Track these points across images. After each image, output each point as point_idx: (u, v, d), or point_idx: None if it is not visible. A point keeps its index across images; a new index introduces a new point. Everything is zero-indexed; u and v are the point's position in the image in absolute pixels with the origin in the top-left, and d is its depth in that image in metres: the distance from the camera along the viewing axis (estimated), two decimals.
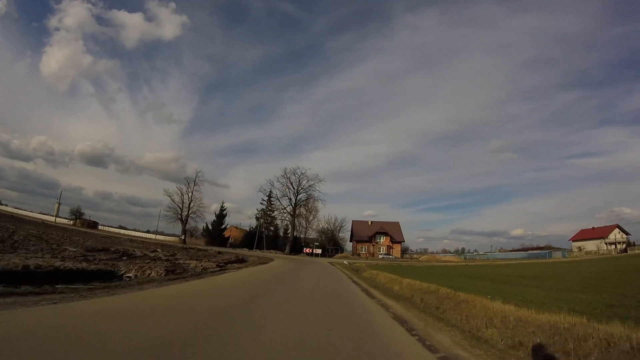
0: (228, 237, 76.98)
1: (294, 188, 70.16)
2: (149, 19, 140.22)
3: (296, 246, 69.16)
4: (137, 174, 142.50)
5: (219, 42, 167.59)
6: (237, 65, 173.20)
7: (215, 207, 77.96)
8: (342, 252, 74.87)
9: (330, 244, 72.68)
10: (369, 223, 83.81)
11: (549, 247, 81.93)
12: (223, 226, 75.18)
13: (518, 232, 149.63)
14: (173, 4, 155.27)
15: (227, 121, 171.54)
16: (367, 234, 79.03)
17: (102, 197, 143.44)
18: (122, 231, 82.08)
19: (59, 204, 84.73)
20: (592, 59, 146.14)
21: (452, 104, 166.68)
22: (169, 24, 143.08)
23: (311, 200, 72.43)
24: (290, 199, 70.80)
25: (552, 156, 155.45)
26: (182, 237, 73.20)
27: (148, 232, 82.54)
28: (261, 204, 74.71)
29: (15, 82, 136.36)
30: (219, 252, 36.76)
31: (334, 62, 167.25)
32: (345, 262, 39.96)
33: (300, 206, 72.36)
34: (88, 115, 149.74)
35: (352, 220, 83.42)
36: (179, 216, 74.01)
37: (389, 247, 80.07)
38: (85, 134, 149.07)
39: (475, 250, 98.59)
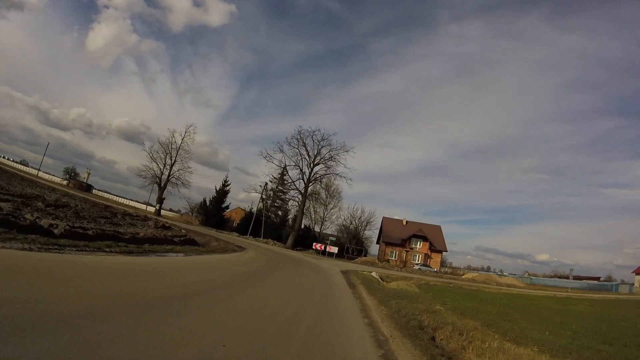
0: (228, 219, 63.55)
1: (309, 157, 51.41)
2: (197, 4, 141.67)
3: (305, 239, 53.88)
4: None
5: (262, 34, 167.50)
6: (278, 57, 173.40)
7: (243, 196, 64.63)
8: (364, 255, 59.07)
9: (352, 243, 56.72)
10: (404, 223, 67.61)
11: (608, 279, 71.33)
12: (224, 205, 61.49)
13: (543, 257, 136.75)
14: None
15: (262, 112, 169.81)
16: (401, 235, 62.98)
17: (134, 172, 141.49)
18: (115, 198, 72.88)
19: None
20: (634, 87, 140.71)
21: (488, 118, 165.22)
22: (217, 12, 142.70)
23: (332, 178, 53.68)
24: (302, 171, 51.79)
25: (584, 182, 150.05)
26: (157, 207, 59.63)
27: (146, 203, 72.68)
28: (270, 181, 57.16)
29: (61, 55, 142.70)
30: (166, 226, 22.82)
31: (375, 64, 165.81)
32: (374, 274, 24.47)
33: (316, 182, 53.34)
34: (128, 93, 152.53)
35: (383, 217, 67.06)
36: (157, 180, 58.39)
37: (426, 256, 63.67)
38: (123, 110, 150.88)
39: (496, 270, 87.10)
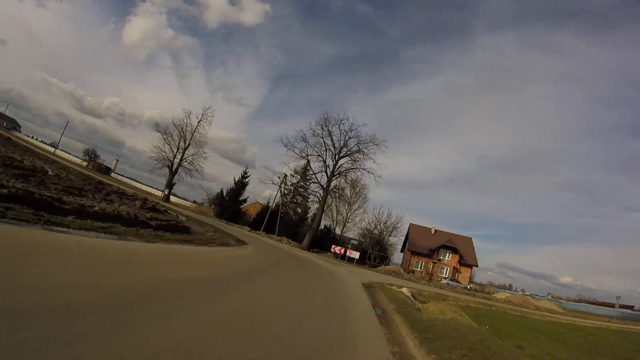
0: (245, 213, 59.82)
1: (334, 148, 45.31)
2: (233, 3, 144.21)
3: (323, 241, 49.35)
4: (199, 148, 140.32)
5: (295, 35, 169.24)
6: (309, 59, 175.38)
7: (268, 194, 60.22)
8: (387, 264, 54.14)
9: (375, 249, 51.68)
10: (432, 231, 62.12)
11: None
12: (242, 197, 57.82)
13: (566, 279, 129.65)
14: None
15: (291, 112, 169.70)
16: (429, 245, 57.59)
17: (162, 163, 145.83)
18: (134, 183, 71.06)
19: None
20: None
21: (518, 131, 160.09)
22: (252, 11, 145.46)
23: (358, 174, 47.08)
24: (326, 163, 45.72)
25: (613, 205, 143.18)
26: (166, 192, 56.01)
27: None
28: (292, 175, 52.25)
29: (97, 45, 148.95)
30: (157, 209, 18.96)
31: (406, 71, 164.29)
32: (405, 290, 19.61)
33: (340, 177, 46.62)
34: (161, 86, 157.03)
35: (410, 224, 61.75)
36: (168, 163, 54.70)
37: (455, 270, 58.10)
38: (156, 103, 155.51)
39: (518, 289, 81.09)
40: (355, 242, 46.58)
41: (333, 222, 55.36)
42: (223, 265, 11.43)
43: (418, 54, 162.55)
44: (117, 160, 79.12)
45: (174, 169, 54.45)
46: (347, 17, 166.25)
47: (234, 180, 56.69)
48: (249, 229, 42.49)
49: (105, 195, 17.36)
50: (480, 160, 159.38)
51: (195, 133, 54.87)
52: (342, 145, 45.59)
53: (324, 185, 45.90)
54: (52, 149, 71.72)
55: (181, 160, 54.56)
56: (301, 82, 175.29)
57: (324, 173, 46.46)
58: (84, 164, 69.57)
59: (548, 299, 64.47)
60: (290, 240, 41.30)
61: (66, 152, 73.85)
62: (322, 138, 45.74)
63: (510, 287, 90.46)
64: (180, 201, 67.92)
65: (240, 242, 20.18)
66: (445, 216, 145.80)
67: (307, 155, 46.52)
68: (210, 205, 63.66)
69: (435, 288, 34.62)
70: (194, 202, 70.76)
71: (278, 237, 41.30)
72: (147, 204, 19.50)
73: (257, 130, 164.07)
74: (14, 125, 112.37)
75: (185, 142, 54.72)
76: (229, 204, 54.77)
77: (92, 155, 75.45)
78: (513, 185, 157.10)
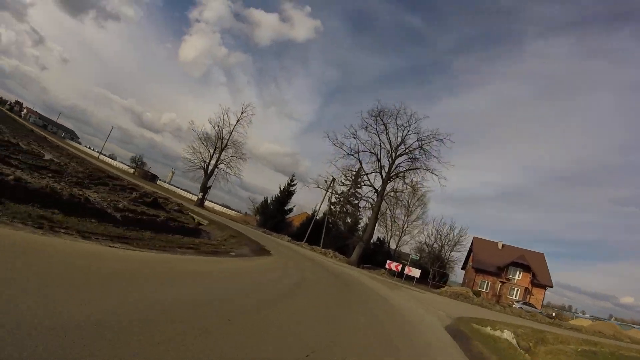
0: (290, 224, 55.88)
1: (391, 146, 38.43)
2: (284, 19, 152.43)
3: (375, 255, 43.55)
4: (254, 162, 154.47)
5: (345, 49, 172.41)
6: (360, 73, 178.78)
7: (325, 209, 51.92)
8: (445, 282, 47.83)
9: (435, 265, 45.36)
10: (499, 246, 54.65)
11: None
12: (287, 207, 54.02)
13: (628, 300, 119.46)
14: (308, 8, 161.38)
15: (343, 125, 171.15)
16: (496, 262, 50.33)
17: (230, 184, 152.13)
18: (183, 193, 70.28)
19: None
20: None
21: (575, 142, 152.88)
22: (303, 27, 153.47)
23: (419, 176, 38.17)
24: (380, 163, 38.58)
25: None
26: (200, 196, 52.34)
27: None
28: (342, 183, 44.49)
29: (155, 64, 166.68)
30: (158, 204, 15.29)
31: (457, 82, 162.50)
32: (507, 336, 14.04)
33: (397, 178, 39.10)
34: (216, 101, 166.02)
35: (474, 237, 54.63)
36: (204, 164, 50.75)
37: (526, 291, 50.46)
38: (211, 118, 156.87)
39: (578, 311, 69.94)
40: (416, 258, 40.49)
41: (387, 233, 49.55)
42: (206, 284, 7.13)
43: (468, 64, 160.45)
44: (173, 173, 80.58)
45: (209, 171, 51.09)
46: (396, 30, 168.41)
47: (280, 188, 53.14)
48: (289, 239, 38.09)
49: (97, 183, 13.97)
50: (533, 173, 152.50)
51: (233, 132, 51.14)
52: (399, 141, 38.49)
53: (378, 189, 38.85)
54: (110, 161, 72.80)
55: (217, 162, 51.08)
56: (352, 95, 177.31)
57: (378, 174, 39.37)
58: (131, 170, 69.89)
59: (632, 325, 54.54)
60: (336, 253, 36.09)
61: (111, 157, 74.79)
62: (376, 133, 38.95)
63: (569, 309, 79.78)
64: (223, 209, 65.74)
65: (261, 252, 16.19)
66: (496, 232, 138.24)
67: (358, 153, 39.50)
68: (255, 215, 60.63)
69: (514, 316, 28.41)
70: (240, 212, 68.16)
71: (322, 250, 36.43)
72: (146, 197, 15.84)
73: (310, 144, 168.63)
74: (72, 136, 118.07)
75: (222, 143, 51.04)
76: (273, 213, 51.14)
77: (139, 163, 75.99)
78: (568, 199, 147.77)
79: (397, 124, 38.49)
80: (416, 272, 33.68)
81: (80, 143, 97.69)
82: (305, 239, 40.01)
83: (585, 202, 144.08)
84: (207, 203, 69.45)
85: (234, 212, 66.85)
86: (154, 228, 11.01)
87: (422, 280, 38.60)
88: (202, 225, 22.42)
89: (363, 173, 41.29)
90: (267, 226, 47.03)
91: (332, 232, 44.78)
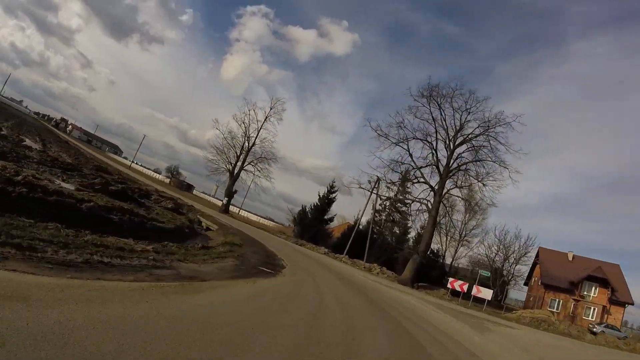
0: (330, 235, 51.60)
1: (447, 134, 31.51)
2: (322, 35, 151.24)
3: (428, 271, 37.15)
4: (297, 176, 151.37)
5: (384, 61, 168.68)
6: (400, 85, 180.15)
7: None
8: (503, 299, 41.50)
9: (498, 282, 39.28)
10: (569, 257, 47.63)
11: None
12: (327, 216, 49.91)
13: None
14: (345, 22, 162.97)
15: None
16: (567, 276, 43.53)
17: (260, 189, 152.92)
18: (215, 201, 68.69)
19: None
20: None
21: (627, 146, 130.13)
22: (341, 41, 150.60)
23: (485, 169, 30.31)
24: (436, 154, 31.65)
25: None
26: (225, 202, 47.10)
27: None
28: (387, 186, 38.57)
29: (198, 83, 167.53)
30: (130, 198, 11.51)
31: (499, 89, 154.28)
32: None
33: (460, 173, 31.52)
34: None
35: (540, 248, 47.53)
36: (229, 165, 45.32)
37: (604, 310, 43.30)
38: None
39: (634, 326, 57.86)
40: (487, 274, 33.23)
41: (443, 244, 43.91)
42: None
43: (510, 70, 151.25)
44: (217, 187, 79.71)
45: (234, 173, 45.71)
46: (435, 39, 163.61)
47: (319, 195, 49.02)
48: (326, 251, 33.53)
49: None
50: (583, 180, 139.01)
51: (262, 130, 45.97)
52: (457, 127, 31.07)
53: (435, 187, 31.04)
54: (155, 175, 72.94)
55: (244, 163, 45.85)
56: (393, 107, 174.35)
57: (433, 169, 31.92)
58: (166, 180, 68.99)
59: None
60: (383, 268, 30.49)
61: (155, 171, 75.52)
62: (430, 115, 31.35)
63: (625, 325, 69.87)
64: (260, 220, 62.99)
65: (271, 270, 11.67)
66: (548, 244, 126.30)
67: (407, 142, 32.03)
68: (293, 225, 56.85)
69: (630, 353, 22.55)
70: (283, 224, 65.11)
71: (366, 265, 31.31)
72: (114, 186, 12.32)
73: (353, 158, 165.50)
74: (116, 150, 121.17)
75: (249, 142, 45.77)
76: (311, 222, 47.05)
77: (175, 172, 75.09)
78: (622, 207, 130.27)
79: (453, 108, 31.35)
80: (487, 293, 27.21)
81: (125, 157, 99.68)
82: (345, 251, 35.49)
83: None
84: (243, 213, 67.12)
85: (272, 223, 63.89)
86: (115, 229, 7.48)
87: (496, 303, 32.85)
88: (211, 230, 19.82)
89: (413, 167, 32.76)
90: (305, 237, 43.16)
91: (376, 244, 39.99)
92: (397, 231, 44.59)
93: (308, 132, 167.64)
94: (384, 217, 43.86)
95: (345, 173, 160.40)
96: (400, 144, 32.52)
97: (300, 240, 35.37)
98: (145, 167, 76.82)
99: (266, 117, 45.81)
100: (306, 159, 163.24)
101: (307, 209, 49.29)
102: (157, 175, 73.06)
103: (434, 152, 31.83)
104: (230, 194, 46.07)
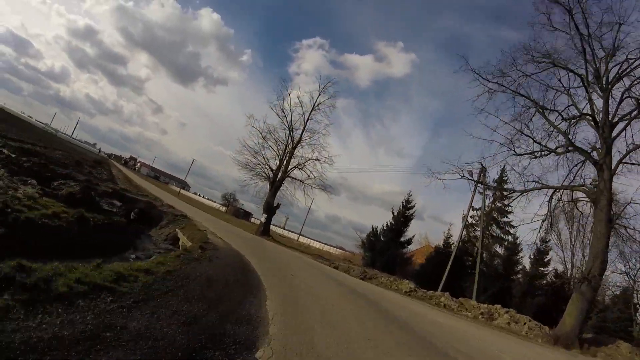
0: (410, 260, 40.14)
1: (595, 55, 15.83)
2: (379, 59, 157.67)
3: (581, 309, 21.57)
4: (366, 204, 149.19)
5: (445, 78, 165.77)
6: (463, 100, 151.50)
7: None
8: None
9: None
10: None
11: None
12: (404, 238, 38.66)
13: None
14: (401, 43, 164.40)
15: (455, 156, 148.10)
16: None
17: (331, 220, 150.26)
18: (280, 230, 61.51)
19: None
20: None
21: None
22: (399, 63, 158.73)
23: None
24: (587, 83, 15.96)
25: None
26: (263, 220, 33.79)
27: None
28: (481, 189, 27.17)
29: (263, 118, 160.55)
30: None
31: None
32: None
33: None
34: (326, 148, 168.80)
35: None
36: (266, 173, 33.51)
37: None
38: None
39: None
40: None
41: (568, 256, 30.06)
42: None
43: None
44: (287, 218, 76.53)
45: (275, 181, 33.20)
46: (494, 49, 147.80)
47: (392, 213, 38.30)
48: (411, 287, 20.05)
49: None
50: None
51: (309, 121, 33.86)
52: (611, 50, 15.52)
53: (598, 145, 15.89)
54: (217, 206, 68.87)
55: (287, 168, 33.37)
56: (459, 125, 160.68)
57: (572, 109, 16.84)
58: (223, 208, 63.64)
59: None
60: (523, 316, 16.25)
61: (201, 195, 72.17)
62: (576, 28, 15.89)
63: None
64: (322, 246, 53.80)
65: None
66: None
67: (547, 60, 16.64)
68: (362, 251, 46.20)
69: None
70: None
71: (482, 306, 17.84)
72: None
73: (421, 181, 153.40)
74: (184, 185, 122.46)
75: (292, 140, 33.66)
76: (384, 246, 36.29)
77: (231, 200, 69.83)
78: None
79: (593, 22, 16.41)
80: None
81: (195, 192, 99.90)
82: (441, 286, 23.78)
83: None
84: (303, 240, 58.31)
85: (339, 250, 54.20)
86: None
87: None
88: (208, 240, 13.89)
89: (541, 108, 17.04)
90: (377, 265, 32.63)
91: (486, 272, 27.82)
92: (502, 252, 32.05)
93: (375, 157, 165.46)
94: (479, 234, 31.36)
95: (415, 197, 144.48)
96: (523, 88, 17.53)
97: (370, 271, 23.87)
98: (201, 196, 72.98)
99: (315, 104, 33.56)
100: (375, 186, 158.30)
101: (379, 231, 38.79)
102: (213, 204, 68.58)
103: (585, 81, 16.32)
104: (270, 208, 33.33)
